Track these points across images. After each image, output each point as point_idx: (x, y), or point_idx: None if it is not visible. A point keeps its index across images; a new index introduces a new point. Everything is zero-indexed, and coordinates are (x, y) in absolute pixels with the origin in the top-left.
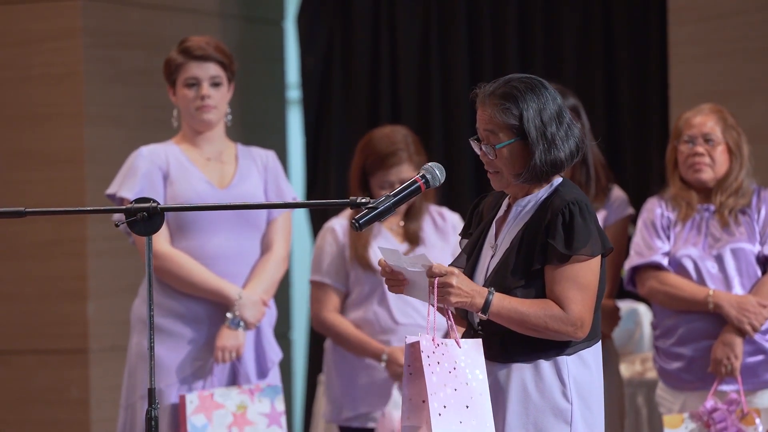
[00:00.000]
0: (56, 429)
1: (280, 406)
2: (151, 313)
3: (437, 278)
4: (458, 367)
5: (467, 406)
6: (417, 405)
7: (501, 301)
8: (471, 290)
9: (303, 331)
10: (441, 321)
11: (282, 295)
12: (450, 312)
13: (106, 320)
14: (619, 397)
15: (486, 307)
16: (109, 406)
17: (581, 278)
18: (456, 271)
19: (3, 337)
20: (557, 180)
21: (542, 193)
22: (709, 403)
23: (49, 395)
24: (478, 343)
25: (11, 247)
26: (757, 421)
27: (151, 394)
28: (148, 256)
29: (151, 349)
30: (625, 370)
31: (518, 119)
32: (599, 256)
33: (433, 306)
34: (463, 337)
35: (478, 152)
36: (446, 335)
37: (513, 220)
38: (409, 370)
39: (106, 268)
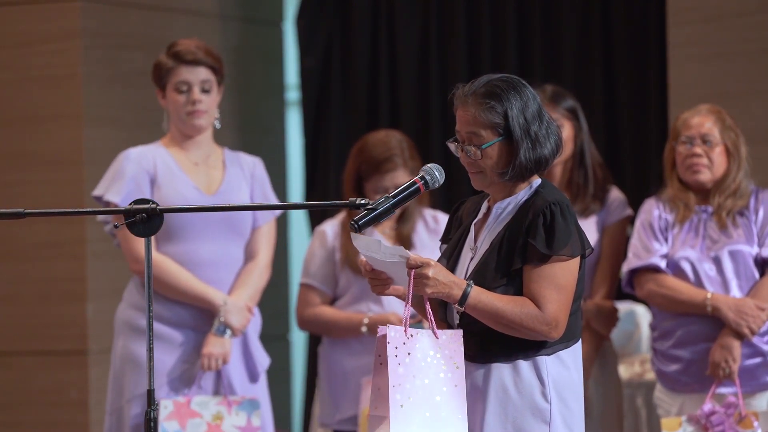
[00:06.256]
0: (55, 430)
1: (257, 421)
2: (150, 314)
3: (414, 270)
4: (432, 358)
5: (438, 398)
6: (385, 395)
7: (479, 295)
8: (449, 281)
9: (302, 333)
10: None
11: (281, 297)
12: (428, 306)
13: (104, 321)
14: (618, 399)
15: (463, 298)
16: None
17: (559, 278)
18: (432, 262)
19: (2, 339)
20: (536, 181)
21: (522, 194)
22: (707, 406)
23: (48, 396)
24: (457, 334)
25: (10, 249)
26: (755, 424)
27: (150, 395)
28: (148, 258)
29: (151, 350)
30: (625, 371)
31: (503, 117)
32: (578, 258)
33: (408, 297)
34: None
35: (458, 154)
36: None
37: (493, 222)
38: (379, 360)
39: (105, 269)
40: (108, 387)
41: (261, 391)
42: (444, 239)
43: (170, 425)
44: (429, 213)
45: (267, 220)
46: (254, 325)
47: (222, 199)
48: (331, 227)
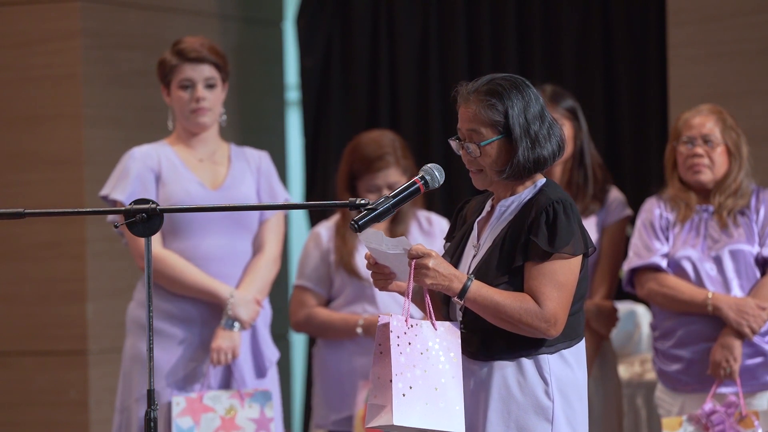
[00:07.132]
0: (55, 430)
1: (270, 412)
2: (150, 314)
3: (414, 260)
4: (431, 349)
5: (436, 388)
6: (384, 384)
7: (479, 289)
8: (449, 274)
9: None
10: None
11: (281, 296)
12: (428, 297)
13: (104, 322)
14: (617, 398)
15: (463, 292)
16: (108, 408)
17: (559, 276)
18: (434, 253)
19: (2, 339)
20: (541, 180)
21: (526, 193)
22: (708, 405)
23: (48, 397)
24: (454, 326)
25: (10, 249)
26: (756, 423)
27: (150, 395)
28: (147, 257)
29: (150, 350)
30: (625, 371)
31: (503, 116)
32: (580, 256)
33: (408, 287)
34: None
35: (459, 152)
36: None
37: (496, 220)
38: (379, 349)
39: (105, 269)
40: (118, 385)
41: (271, 384)
42: (448, 237)
43: (184, 421)
44: (423, 214)
45: (274, 212)
46: (264, 318)
47: (226, 194)
48: (325, 229)
